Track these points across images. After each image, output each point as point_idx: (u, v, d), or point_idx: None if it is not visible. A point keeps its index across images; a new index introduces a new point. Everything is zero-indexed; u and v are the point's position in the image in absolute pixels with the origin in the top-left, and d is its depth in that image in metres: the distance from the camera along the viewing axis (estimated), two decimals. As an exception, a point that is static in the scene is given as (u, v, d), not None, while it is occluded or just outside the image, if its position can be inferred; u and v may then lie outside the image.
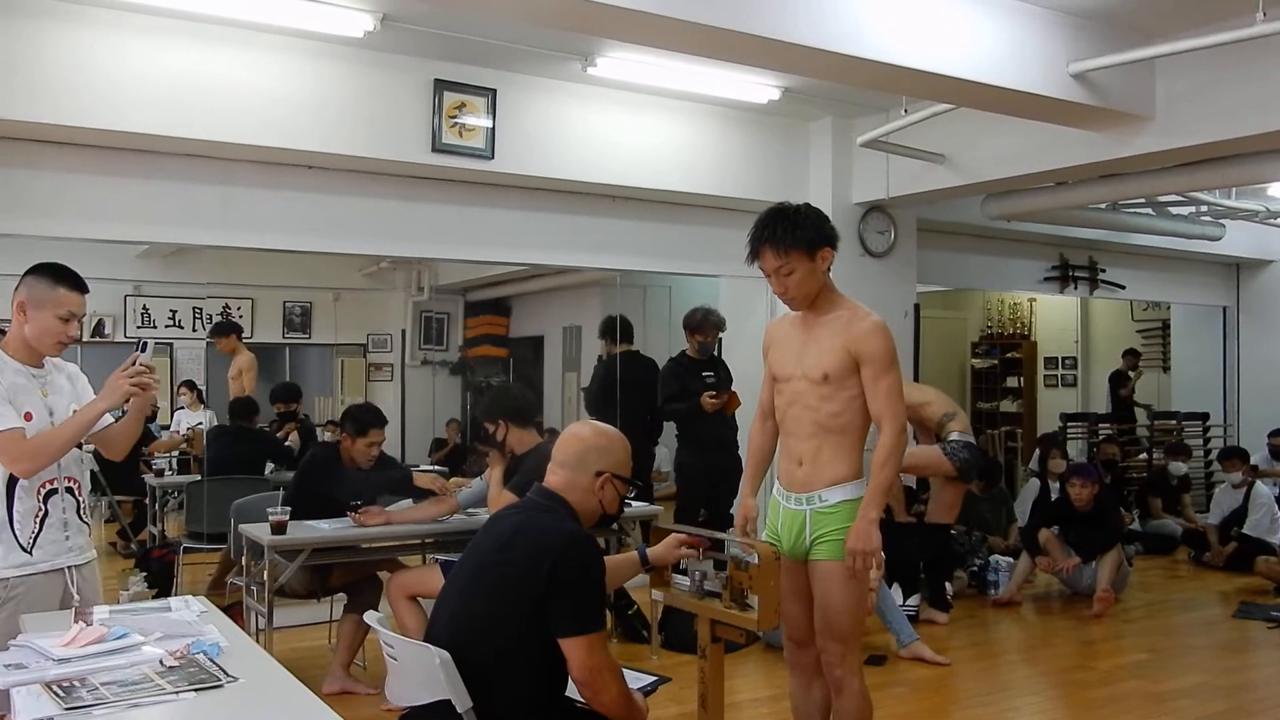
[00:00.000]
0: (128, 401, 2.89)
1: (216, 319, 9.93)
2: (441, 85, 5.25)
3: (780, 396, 3.07)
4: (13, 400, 2.72)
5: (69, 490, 2.89)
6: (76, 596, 2.87)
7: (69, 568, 2.88)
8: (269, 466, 6.62)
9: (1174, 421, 9.41)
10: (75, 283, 2.84)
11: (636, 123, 5.86)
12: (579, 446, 2.54)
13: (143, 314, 10.25)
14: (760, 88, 5.65)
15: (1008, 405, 11.44)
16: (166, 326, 10.37)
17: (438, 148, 5.27)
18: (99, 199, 4.88)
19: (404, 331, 11.53)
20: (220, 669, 2.30)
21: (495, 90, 5.40)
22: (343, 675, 4.48)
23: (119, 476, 7.29)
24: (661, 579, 2.98)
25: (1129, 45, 4.58)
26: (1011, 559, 6.46)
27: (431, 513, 4.51)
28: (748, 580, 2.69)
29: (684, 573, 2.91)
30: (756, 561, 2.68)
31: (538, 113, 5.54)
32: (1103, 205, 7.12)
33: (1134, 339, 10.70)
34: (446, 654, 2.25)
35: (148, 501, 6.76)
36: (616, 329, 7.03)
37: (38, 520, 2.79)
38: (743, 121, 6.23)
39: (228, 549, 5.50)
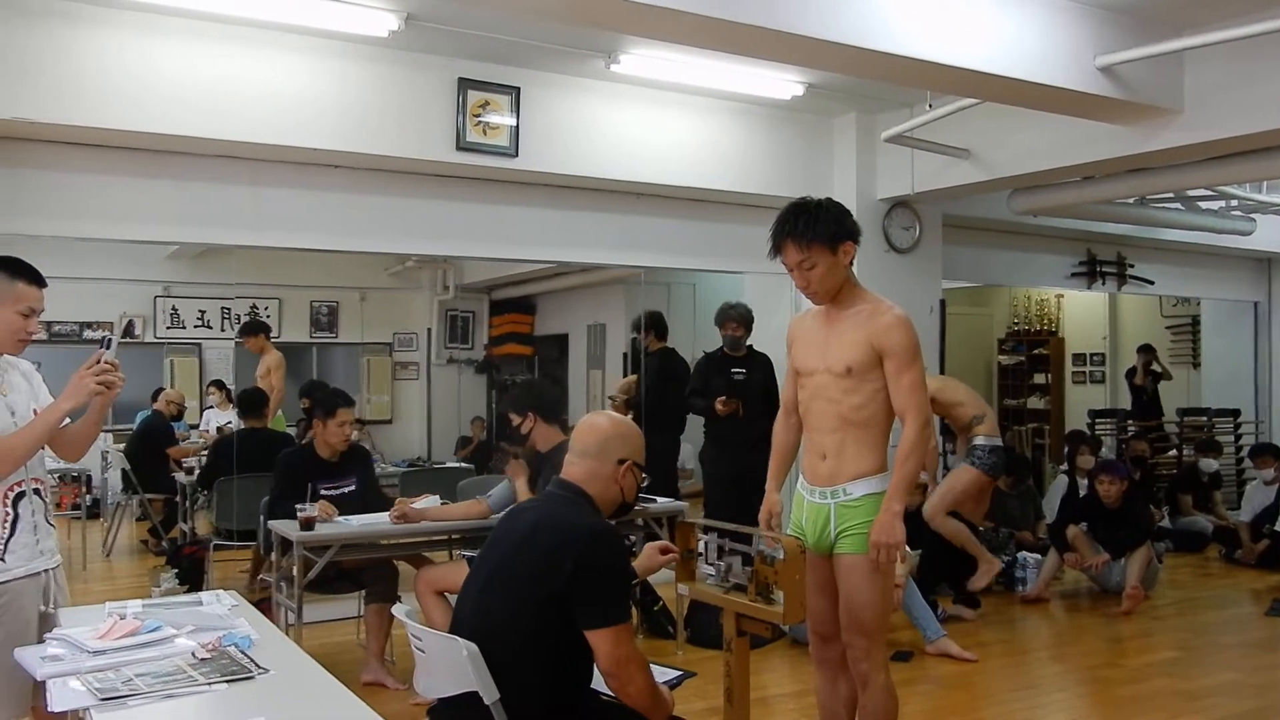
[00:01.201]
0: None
1: (244, 319, 10.03)
2: (466, 84, 5.28)
3: (804, 391, 3.07)
4: None
5: (36, 492, 2.76)
6: (53, 602, 2.79)
7: (45, 571, 2.78)
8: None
9: (1204, 418, 9.32)
10: (33, 276, 2.72)
11: (660, 120, 5.87)
12: (599, 436, 2.55)
13: (172, 314, 10.38)
14: (784, 84, 5.64)
15: (1034, 402, 11.37)
16: (195, 326, 10.50)
17: (462, 146, 5.30)
18: (131, 200, 4.95)
19: (429, 330, 11.60)
20: (251, 661, 2.33)
21: (519, 88, 5.42)
22: (377, 665, 4.52)
23: (150, 475, 7.41)
24: (688, 573, 2.98)
25: (1157, 38, 4.53)
26: (1039, 555, 6.42)
27: (462, 513, 4.54)
28: (773, 575, 2.69)
29: (711, 566, 2.91)
30: (782, 556, 2.68)
31: (561, 110, 5.56)
32: (1130, 200, 7.05)
33: (1163, 335, 10.60)
34: (474, 646, 2.27)
35: (179, 499, 6.82)
36: (663, 323, 7.05)
37: (8, 525, 2.66)
38: (766, 118, 6.23)
39: (259, 546, 5.57)
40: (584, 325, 11.37)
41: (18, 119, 4.42)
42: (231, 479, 5.82)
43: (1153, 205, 7.32)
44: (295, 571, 4.17)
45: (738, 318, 6.10)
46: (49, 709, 2.12)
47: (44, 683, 2.57)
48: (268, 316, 10.40)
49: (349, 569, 4.60)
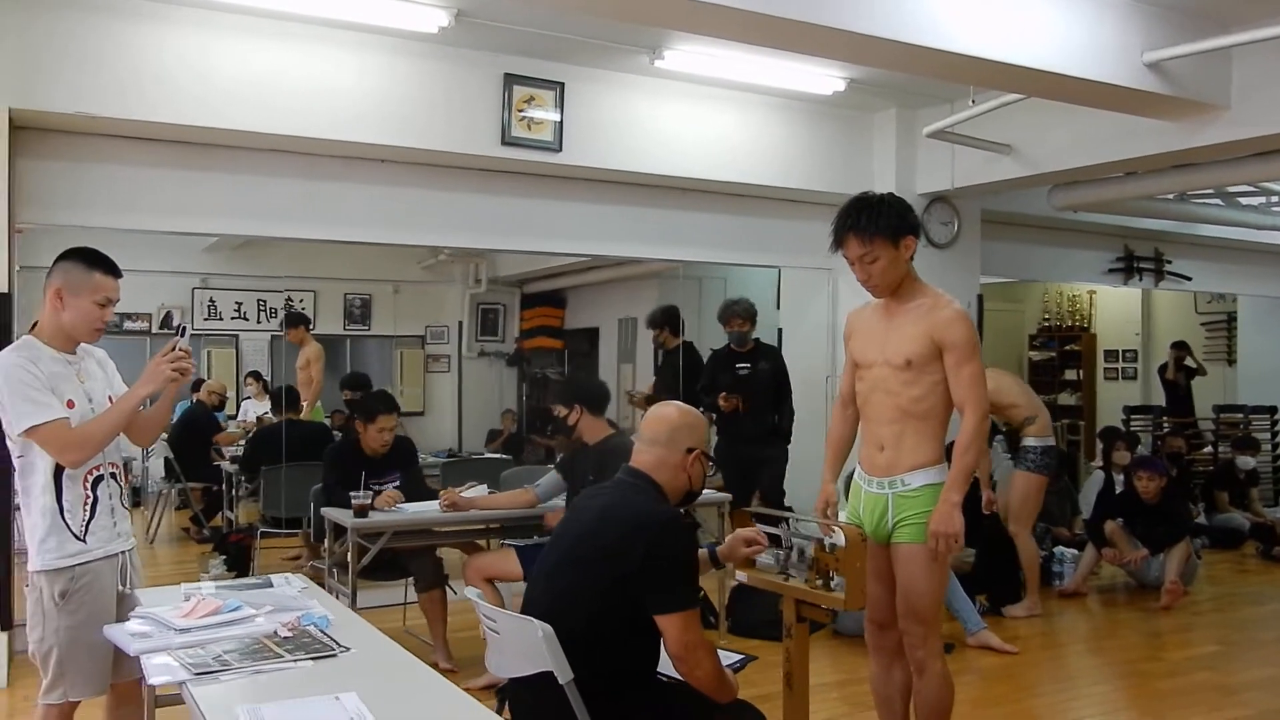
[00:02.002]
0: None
1: (281, 311, 10.15)
2: (511, 79, 5.35)
3: (862, 383, 3.11)
4: (54, 389, 2.67)
5: (113, 476, 2.84)
6: (129, 583, 2.89)
7: (122, 553, 2.87)
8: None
9: (1240, 415, 9.29)
10: (109, 267, 2.79)
11: (702, 115, 5.92)
12: (668, 425, 2.61)
13: (209, 306, 10.48)
14: (825, 79, 5.68)
15: (1065, 398, 11.34)
16: (232, 318, 10.60)
17: (507, 141, 5.37)
18: (185, 194, 5.04)
19: (461, 323, 11.68)
20: (332, 640, 2.41)
21: (563, 84, 5.48)
22: (444, 650, 4.58)
23: (192, 464, 7.52)
24: (745, 561, 3.03)
25: (1204, 33, 4.54)
26: (1076, 550, 6.43)
27: (510, 502, 4.61)
28: (834, 562, 2.74)
29: (770, 554, 2.96)
30: (842, 543, 2.73)
31: (605, 106, 5.62)
32: (1170, 196, 7.04)
33: (1198, 332, 10.55)
34: (549, 627, 2.33)
35: (224, 487, 6.93)
36: (678, 318, 7.06)
37: (87, 507, 2.74)
38: (807, 113, 6.27)
39: (307, 532, 5.67)
40: (615, 320, 11.41)
41: (80, 113, 4.52)
42: (277, 468, 5.92)
43: (1192, 201, 7.30)
44: (350, 557, 4.25)
45: (741, 313, 6.12)
46: (145, 681, 2.19)
47: (126, 660, 2.68)
48: (303, 308, 10.51)
49: (394, 557, 4.68)
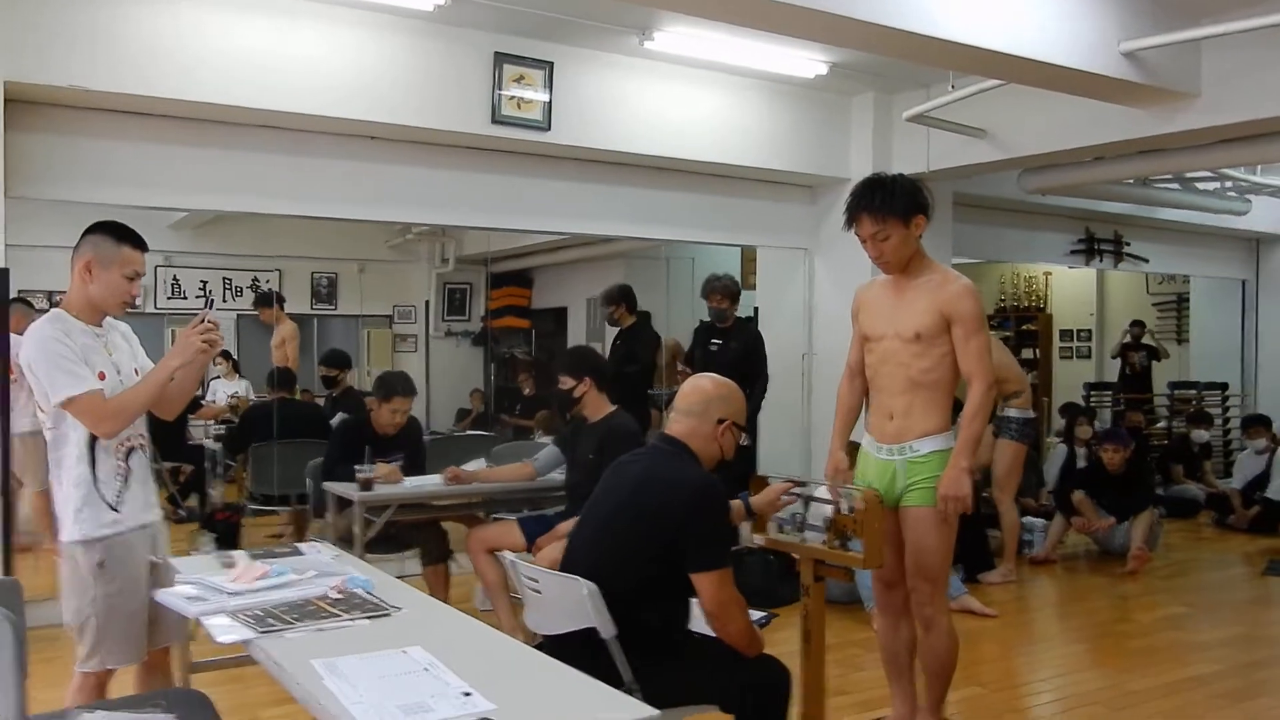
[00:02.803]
0: None
1: (247, 290, 10.09)
2: (502, 58, 5.39)
3: (871, 355, 3.25)
4: (87, 361, 2.70)
5: (141, 448, 2.87)
6: (159, 553, 2.92)
7: (153, 523, 2.89)
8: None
9: (1194, 391, 9.64)
10: (137, 241, 2.82)
11: (687, 96, 6.01)
12: (702, 397, 2.73)
13: (173, 285, 10.38)
14: (809, 63, 5.80)
15: (1023, 376, 11.64)
16: (196, 297, 10.51)
17: (498, 120, 5.42)
18: (177, 169, 5.03)
19: (428, 303, 11.68)
20: (381, 600, 2.49)
21: (552, 63, 5.54)
22: None
23: (167, 443, 7.48)
24: (759, 524, 3.17)
25: (1178, 24, 4.71)
26: (1045, 520, 6.68)
27: (510, 475, 4.70)
28: (853, 524, 2.89)
29: (785, 516, 3.10)
30: (862, 506, 2.87)
31: (593, 86, 5.69)
32: (1132, 180, 7.27)
33: (1149, 312, 10.90)
34: (594, 585, 2.45)
35: (208, 466, 6.93)
36: (633, 295, 6.97)
37: (121, 478, 2.77)
38: (787, 96, 6.38)
39: (297, 509, 5.72)
40: (583, 299, 11.49)
41: (74, 87, 4.50)
42: (267, 445, 5.95)
43: (1154, 185, 7.55)
44: (356, 530, 4.32)
45: (722, 290, 6.18)
46: (216, 640, 2.26)
47: (158, 629, 2.77)
48: (269, 287, 10.45)
49: (399, 531, 4.75)
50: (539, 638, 2.70)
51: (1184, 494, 8.13)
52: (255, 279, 10.58)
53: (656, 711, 1.81)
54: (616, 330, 7.13)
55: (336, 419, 6.91)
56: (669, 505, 2.52)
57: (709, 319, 6.32)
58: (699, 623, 2.67)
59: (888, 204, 3.05)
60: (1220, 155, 5.96)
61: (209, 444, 6.96)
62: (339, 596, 2.51)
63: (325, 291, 11.18)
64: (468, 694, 1.85)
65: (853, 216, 3.12)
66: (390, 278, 11.55)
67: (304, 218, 5.69)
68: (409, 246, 11.26)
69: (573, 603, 2.49)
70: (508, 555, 2.88)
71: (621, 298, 6.92)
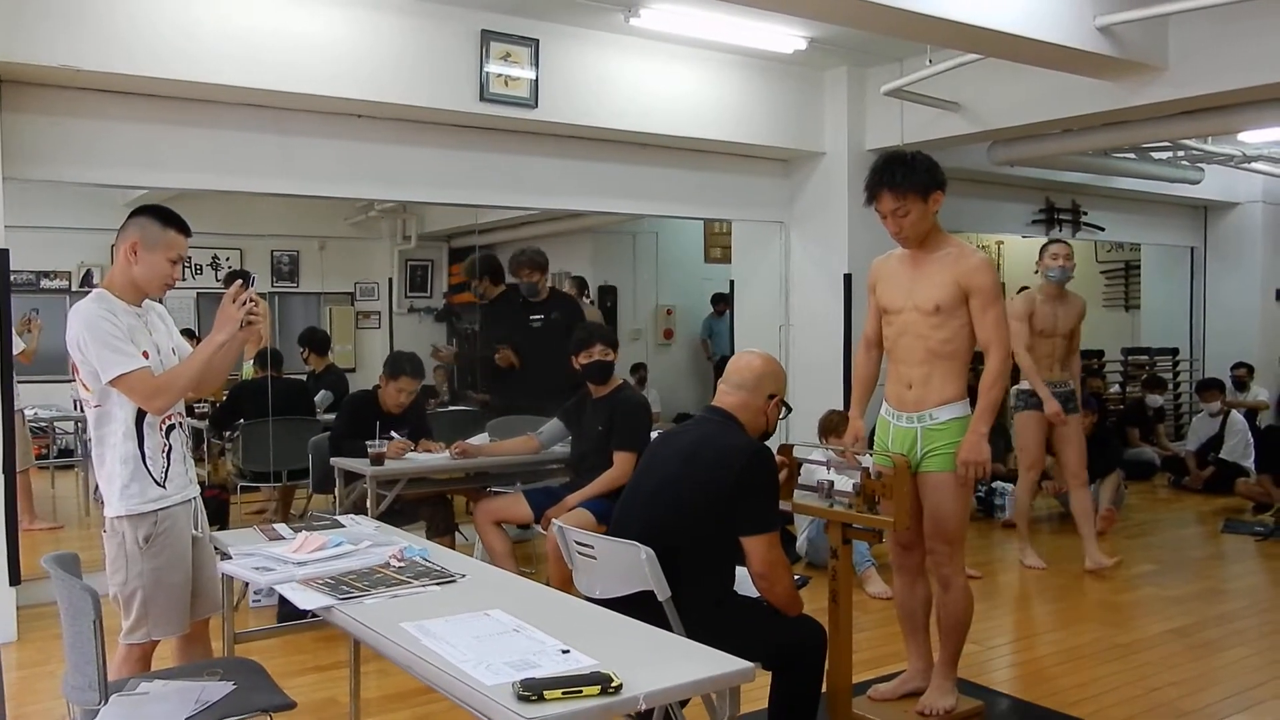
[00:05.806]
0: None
1: (207, 269, 9.97)
2: (488, 35, 5.42)
3: (890, 327, 3.38)
4: (132, 339, 2.76)
5: (180, 425, 2.93)
6: (201, 528, 2.98)
7: (194, 498, 2.97)
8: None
9: (1146, 357, 9.98)
10: (181, 225, 2.89)
11: (668, 72, 6.09)
12: (754, 373, 2.86)
13: (131, 264, 10.21)
14: (789, 38, 5.90)
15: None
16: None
17: (485, 97, 5.45)
18: (163, 149, 5.02)
19: (390, 280, 11.63)
20: (443, 568, 2.57)
21: (538, 40, 5.58)
22: None
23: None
24: (787, 491, 3.29)
25: (1151, -1, 4.90)
26: (1013, 484, 6.90)
27: (515, 448, 4.78)
28: (881, 488, 3.02)
29: (813, 483, 3.23)
30: (890, 470, 3.01)
31: (578, 63, 5.74)
32: (1093, 151, 7.49)
33: (1098, 280, 11.23)
34: (651, 550, 2.55)
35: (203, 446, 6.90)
36: (499, 266, 6.51)
37: (165, 454, 2.84)
38: (763, 71, 6.48)
39: (285, 485, 5.75)
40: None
41: (65, 67, 4.45)
42: (256, 423, 5.96)
43: (1112, 156, 7.78)
44: (369, 503, 4.37)
45: (529, 263, 6.01)
46: (301, 607, 2.32)
47: (199, 601, 2.87)
48: (230, 266, 10.33)
49: (403, 505, 4.81)
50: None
51: (1140, 456, 8.44)
52: (215, 257, 10.45)
53: (755, 664, 1.92)
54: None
55: (320, 395, 6.93)
56: (722, 472, 2.64)
57: (522, 295, 6.05)
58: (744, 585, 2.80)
59: (908, 180, 3.16)
60: (1185, 126, 6.16)
61: (193, 422, 6.91)
62: (402, 564, 2.58)
63: (286, 269, 11.07)
64: (566, 651, 1.93)
65: (873, 193, 3.23)
66: (352, 255, 11.45)
67: (281, 195, 5.65)
68: (370, 224, 11.18)
69: (627, 567, 2.59)
70: (557, 522, 2.96)
71: (485, 270, 6.50)
